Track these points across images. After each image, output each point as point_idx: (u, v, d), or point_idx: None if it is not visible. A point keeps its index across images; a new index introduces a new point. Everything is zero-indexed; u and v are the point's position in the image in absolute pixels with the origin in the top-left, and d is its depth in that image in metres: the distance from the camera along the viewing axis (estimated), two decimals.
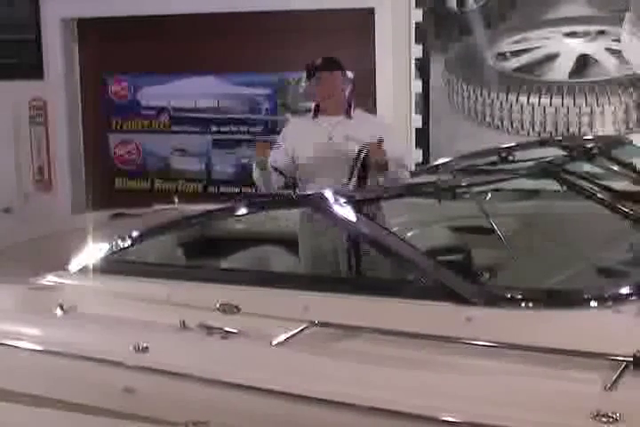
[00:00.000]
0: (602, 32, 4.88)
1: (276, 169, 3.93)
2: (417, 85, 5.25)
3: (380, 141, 3.70)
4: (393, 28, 5.24)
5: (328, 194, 2.84)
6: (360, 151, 3.66)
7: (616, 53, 4.86)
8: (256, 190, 5.70)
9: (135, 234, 3.22)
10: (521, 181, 3.27)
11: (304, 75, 4.11)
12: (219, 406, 2.65)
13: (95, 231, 3.50)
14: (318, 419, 2.46)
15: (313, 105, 4.07)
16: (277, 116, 5.75)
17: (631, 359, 2.15)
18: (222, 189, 5.99)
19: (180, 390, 2.71)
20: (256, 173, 4.00)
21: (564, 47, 4.99)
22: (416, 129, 5.29)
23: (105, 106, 6.24)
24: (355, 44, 5.34)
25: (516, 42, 5.07)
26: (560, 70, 4.99)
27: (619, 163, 3.56)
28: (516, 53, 5.07)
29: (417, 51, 5.21)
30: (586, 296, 2.41)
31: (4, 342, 3.06)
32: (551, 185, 3.26)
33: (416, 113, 5.27)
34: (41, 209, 6.18)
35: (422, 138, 5.28)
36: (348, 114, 3.97)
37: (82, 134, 6.33)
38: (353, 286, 2.82)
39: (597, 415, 2.10)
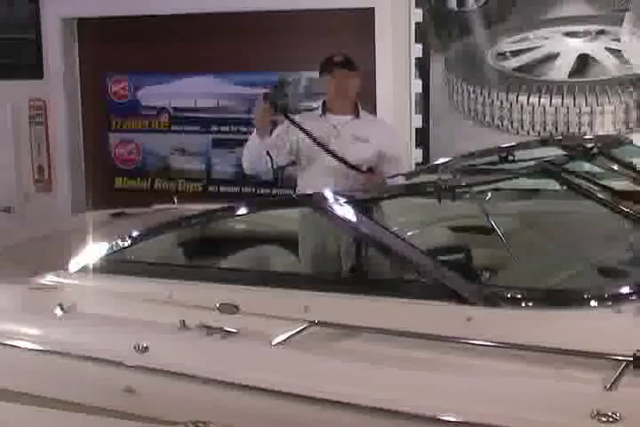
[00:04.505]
0: (602, 32, 4.88)
1: (268, 154, 3.89)
2: (417, 85, 5.24)
3: (371, 170, 3.73)
4: (393, 28, 5.23)
5: (328, 194, 2.85)
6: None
7: (616, 53, 4.85)
8: (256, 191, 5.78)
9: (135, 234, 3.22)
10: (521, 180, 3.27)
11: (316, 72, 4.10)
12: (219, 406, 2.66)
13: (95, 231, 3.50)
14: (318, 419, 2.47)
15: (321, 102, 4.07)
16: (277, 117, 5.74)
17: (631, 359, 2.16)
18: (222, 189, 5.99)
19: (180, 390, 2.71)
20: (254, 141, 3.90)
21: (564, 47, 4.98)
22: (416, 129, 5.28)
23: (105, 106, 6.24)
24: (355, 44, 5.33)
25: (516, 42, 5.06)
26: (560, 70, 4.98)
27: (619, 163, 3.56)
28: (516, 53, 5.06)
29: (417, 51, 5.21)
30: (586, 296, 2.41)
31: (4, 342, 3.06)
32: (551, 185, 3.27)
33: (416, 113, 5.27)
34: (41, 209, 6.18)
35: (422, 138, 5.28)
36: (356, 114, 3.97)
37: (82, 134, 6.33)
38: (353, 285, 2.82)
39: (597, 415, 2.10)
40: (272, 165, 3.89)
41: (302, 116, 4.27)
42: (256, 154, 3.91)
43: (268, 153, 3.87)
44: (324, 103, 4.03)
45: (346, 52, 4.05)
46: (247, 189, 5.90)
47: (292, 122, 3.82)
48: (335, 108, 3.98)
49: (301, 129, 3.80)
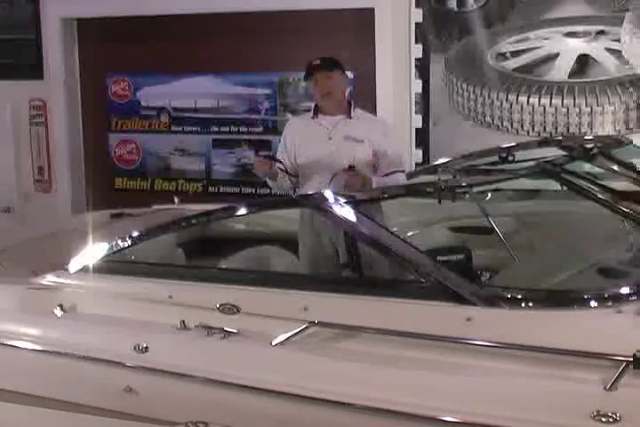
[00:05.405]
0: (602, 32, 4.88)
1: (285, 171, 3.94)
2: (417, 85, 5.25)
3: (352, 167, 3.74)
4: (393, 28, 5.23)
5: (328, 194, 2.84)
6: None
7: (616, 53, 4.86)
8: (256, 191, 5.79)
9: (135, 234, 3.22)
10: (521, 181, 3.27)
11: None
12: (219, 406, 2.66)
13: (95, 231, 3.50)
14: (318, 419, 2.47)
15: (313, 105, 4.08)
16: (277, 117, 5.75)
17: (631, 359, 2.16)
18: (222, 189, 5.99)
19: (180, 390, 2.71)
20: (270, 183, 4.05)
21: (563, 47, 4.98)
22: (416, 129, 5.29)
23: (105, 106, 6.25)
24: (355, 44, 5.34)
25: (516, 42, 5.07)
26: (560, 70, 4.99)
27: (619, 163, 3.56)
28: (516, 53, 5.07)
29: (417, 51, 5.21)
30: (586, 296, 2.41)
31: (4, 342, 3.06)
32: (551, 185, 3.26)
33: (416, 113, 5.27)
34: (41, 209, 6.18)
35: (422, 138, 5.28)
36: (347, 114, 3.97)
37: (82, 134, 6.33)
38: (353, 285, 2.82)
39: (597, 415, 2.11)
40: (293, 184, 3.99)
41: (296, 119, 4.30)
42: (279, 186, 4.04)
43: (286, 173, 3.95)
44: (315, 106, 4.03)
45: (330, 55, 4.04)
46: (247, 189, 5.90)
47: (285, 171, 3.95)
48: (326, 110, 3.98)
49: (289, 174, 3.95)
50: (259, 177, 4.16)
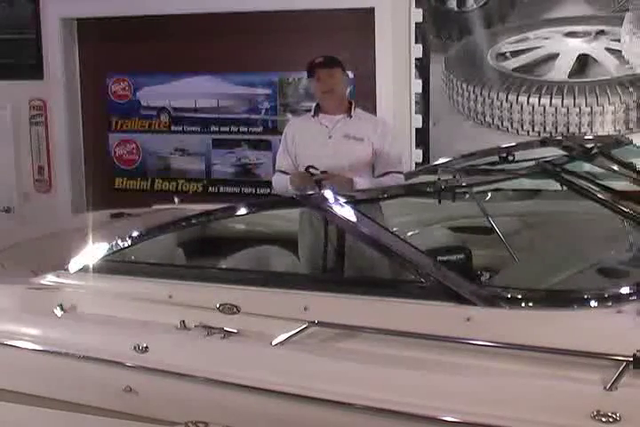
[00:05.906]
0: (602, 32, 4.88)
1: (284, 173, 3.94)
2: (417, 85, 5.25)
3: (324, 172, 3.72)
4: (393, 28, 5.23)
5: (328, 194, 2.84)
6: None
7: (616, 53, 4.86)
8: (256, 191, 5.79)
9: (135, 234, 3.22)
10: (521, 181, 3.27)
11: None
12: (219, 406, 2.66)
13: (95, 231, 3.51)
14: (318, 419, 2.47)
15: (314, 104, 4.08)
16: (277, 117, 5.76)
17: (631, 359, 2.16)
18: (222, 189, 5.99)
19: (180, 390, 2.71)
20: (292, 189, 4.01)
21: (563, 47, 4.99)
22: (416, 129, 5.29)
23: (105, 106, 6.25)
24: (355, 44, 5.34)
25: (516, 42, 5.07)
26: (560, 70, 4.98)
27: (619, 163, 3.56)
28: (516, 53, 5.07)
29: (417, 51, 5.21)
30: (586, 296, 2.41)
31: (4, 342, 3.06)
32: (551, 185, 3.27)
33: (416, 113, 5.27)
34: (41, 209, 6.18)
35: (422, 138, 5.28)
36: (348, 113, 3.97)
37: (82, 134, 6.33)
38: (353, 286, 2.82)
39: (597, 415, 2.11)
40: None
41: (297, 119, 4.29)
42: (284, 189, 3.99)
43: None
44: (316, 105, 4.03)
45: (330, 55, 4.04)
46: (247, 189, 5.90)
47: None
48: (327, 109, 3.99)
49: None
50: (298, 190, 3.93)
